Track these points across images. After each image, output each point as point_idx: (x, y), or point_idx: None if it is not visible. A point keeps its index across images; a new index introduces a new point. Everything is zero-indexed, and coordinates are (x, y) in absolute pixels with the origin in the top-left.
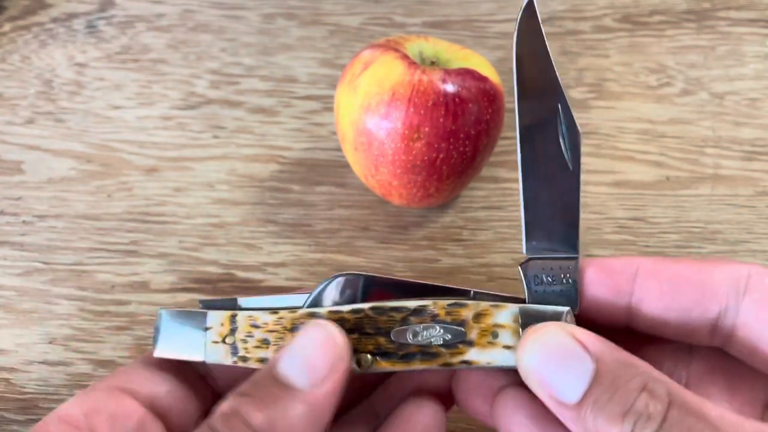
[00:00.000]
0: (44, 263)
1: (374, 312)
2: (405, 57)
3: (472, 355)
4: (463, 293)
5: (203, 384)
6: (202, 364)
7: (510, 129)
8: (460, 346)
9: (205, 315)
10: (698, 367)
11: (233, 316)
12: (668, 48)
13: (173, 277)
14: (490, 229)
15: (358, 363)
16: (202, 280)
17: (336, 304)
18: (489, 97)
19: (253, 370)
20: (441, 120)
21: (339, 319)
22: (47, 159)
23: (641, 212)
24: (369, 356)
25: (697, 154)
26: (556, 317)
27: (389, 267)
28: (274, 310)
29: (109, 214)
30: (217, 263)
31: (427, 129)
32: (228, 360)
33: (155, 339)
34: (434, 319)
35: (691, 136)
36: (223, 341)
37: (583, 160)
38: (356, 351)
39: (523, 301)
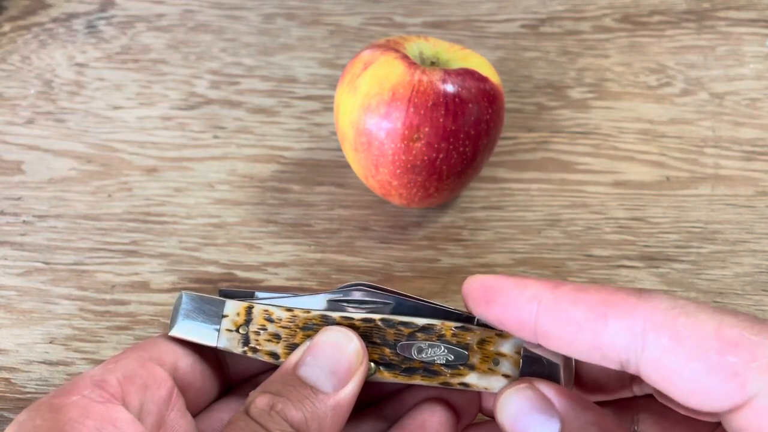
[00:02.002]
0: (44, 263)
1: (384, 324)
2: (405, 57)
3: (472, 378)
4: (469, 320)
5: (220, 368)
6: (213, 349)
7: (510, 129)
8: (462, 368)
9: (223, 303)
10: (644, 417)
11: (249, 308)
12: (668, 48)
13: (173, 277)
14: (490, 229)
15: None
16: (203, 280)
17: (349, 310)
18: (489, 97)
19: (266, 365)
20: (441, 120)
21: (349, 326)
22: (47, 159)
23: (641, 212)
24: (373, 365)
25: (697, 154)
26: (554, 354)
27: (389, 267)
28: (288, 308)
29: (109, 214)
30: (218, 263)
31: (427, 129)
32: (238, 349)
33: (172, 319)
34: (440, 338)
35: (691, 136)
36: (237, 331)
37: (583, 160)
38: None
39: None
